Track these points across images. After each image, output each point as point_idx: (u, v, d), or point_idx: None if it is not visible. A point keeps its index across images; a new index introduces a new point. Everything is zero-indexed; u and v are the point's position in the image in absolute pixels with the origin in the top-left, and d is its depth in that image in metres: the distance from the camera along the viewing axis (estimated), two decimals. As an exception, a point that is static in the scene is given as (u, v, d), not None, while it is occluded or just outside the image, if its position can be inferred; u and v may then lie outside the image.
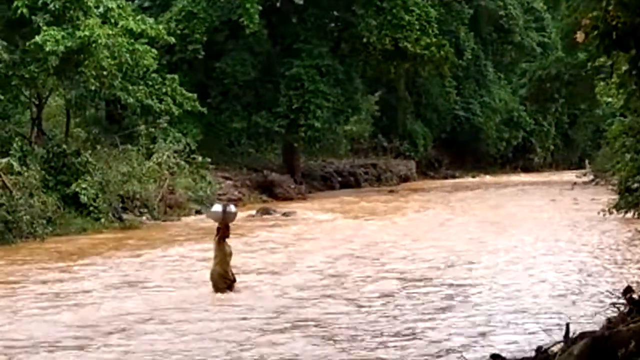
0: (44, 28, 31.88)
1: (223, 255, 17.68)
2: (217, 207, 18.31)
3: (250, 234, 29.51)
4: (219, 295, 17.42)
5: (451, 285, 18.79)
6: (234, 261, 18.25)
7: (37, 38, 31.58)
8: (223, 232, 17.75)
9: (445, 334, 13.89)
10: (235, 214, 18.32)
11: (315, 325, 14.66)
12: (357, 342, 13.45)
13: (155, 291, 18.73)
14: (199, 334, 14.11)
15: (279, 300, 17.21)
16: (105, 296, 18.02)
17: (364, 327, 14.53)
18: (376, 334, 13.97)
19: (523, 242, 26.35)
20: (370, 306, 16.39)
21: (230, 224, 18.13)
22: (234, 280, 17.88)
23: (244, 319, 15.30)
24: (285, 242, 27.70)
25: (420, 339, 13.65)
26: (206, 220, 35.68)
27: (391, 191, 54.05)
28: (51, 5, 32.37)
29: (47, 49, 31.42)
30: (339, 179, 58.63)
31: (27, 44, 31.91)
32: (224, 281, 17.67)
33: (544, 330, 12.88)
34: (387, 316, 15.40)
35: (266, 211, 38.08)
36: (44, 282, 19.89)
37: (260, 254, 24.57)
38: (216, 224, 18.07)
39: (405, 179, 64.83)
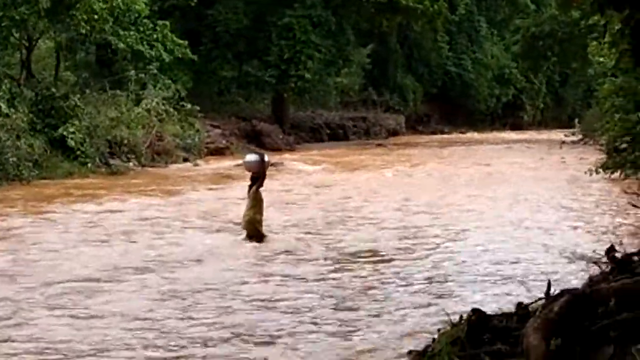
0: (36, -30, 31.70)
1: (260, 204, 17.70)
2: (254, 157, 18.22)
3: (235, 182, 29.60)
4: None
5: (434, 242, 18.80)
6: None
7: (29, -21, 31.43)
8: (261, 181, 17.74)
9: (427, 289, 13.95)
10: (269, 162, 18.40)
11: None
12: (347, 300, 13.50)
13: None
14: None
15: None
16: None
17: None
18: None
19: (507, 201, 26.37)
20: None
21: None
22: None
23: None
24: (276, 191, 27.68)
25: (397, 291, 13.71)
26: (192, 169, 35.97)
27: (379, 145, 54.08)
28: (43, -53, 32.19)
29: (39, -10, 31.24)
30: (328, 131, 58.68)
31: (18, -15, 31.76)
32: (258, 229, 17.69)
33: (526, 288, 12.95)
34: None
35: (254, 161, 38.00)
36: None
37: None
38: (249, 173, 18.08)
39: (394, 133, 64.89)
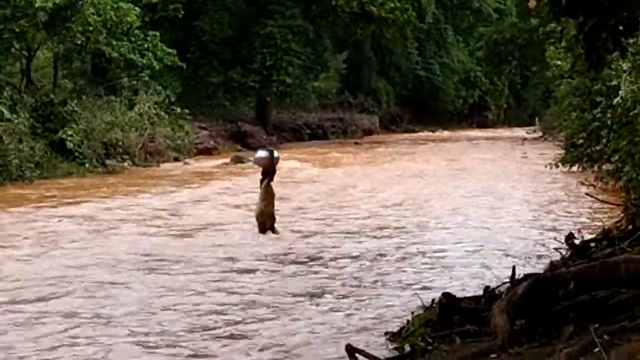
0: (34, -15, 31.63)
1: (271, 198, 17.65)
2: (264, 153, 18.19)
3: (222, 178, 29.67)
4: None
5: (405, 230, 18.83)
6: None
7: (28, -6, 31.34)
8: (272, 176, 17.67)
9: (398, 274, 14.00)
10: (278, 158, 18.21)
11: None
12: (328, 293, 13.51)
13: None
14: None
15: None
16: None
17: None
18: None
19: (474, 190, 26.46)
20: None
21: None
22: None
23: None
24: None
25: (374, 279, 13.74)
26: (182, 167, 35.94)
27: (356, 143, 54.30)
28: (41, -36, 32.13)
29: (37, 5, 31.23)
30: (308, 131, 58.68)
31: (18, 0, 31.58)
32: (271, 221, 17.65)
33: (493, 274, 12.99)
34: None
35: (239, 159, 38.08)
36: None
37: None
38: (260, 169, 17.99)
39: (369, 132, 64.94)
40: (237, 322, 10.97)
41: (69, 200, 24.14)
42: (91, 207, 22.50)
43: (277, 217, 17.89)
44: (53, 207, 22.74)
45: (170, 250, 16.00)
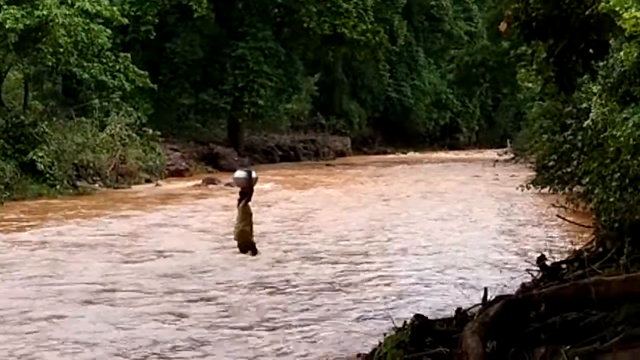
0: (4, 7, 31.62)
1: (249, 217, 17.75)
2: (243, 173, 18.30)
3: (189, 202, 29.51)
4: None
5: (374, 254, 18.80)
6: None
7: (-2, 16, 31.23)
8: (249, 196, 17.71)
9: (371, 297, 13.99)
10: (257, 178, 18.31)
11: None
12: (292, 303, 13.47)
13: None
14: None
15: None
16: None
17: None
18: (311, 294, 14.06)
19: (446, 213, 26.51)
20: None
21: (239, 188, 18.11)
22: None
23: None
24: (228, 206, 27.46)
25: (349, 300, 13.73)
26: (153, 189, 35.80)
27: (328, 165, 54.31)
28: (11, -15, 32.09)
29: (7, 26, 31.06)
30: (280, 152, 58.74)
31: (-12, 21, 31.48)
32: (250, 240, 17.74)
33: (465, 295, 13.01)
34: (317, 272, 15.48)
35: (211, 181, 38.08)
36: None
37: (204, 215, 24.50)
38: (238, 189, 18.09)
39: (341, 154, 65.10)
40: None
41: (28, 224, 23.55)
42: (50, 232, 21.84)
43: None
44: (13, 231, 22.12)
45: (119, 279, 15.31)
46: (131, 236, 21.22)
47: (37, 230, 22.32)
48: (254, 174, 18.18)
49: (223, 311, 12.97)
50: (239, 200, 17.81)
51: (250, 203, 17.86)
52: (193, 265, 16.79)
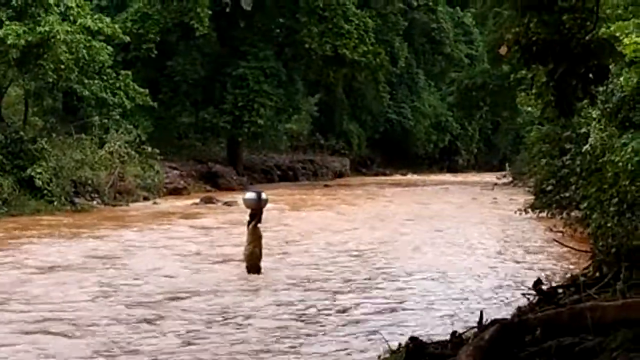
0: (7, 22, 31.75)
1: (259, 239, 17.76)
2: (252, 195, 18.27)
3: (181, 222, 29.31)
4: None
5: (371, 276, 18.75)
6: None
7: (0, 32, 31.29)
8: (259, 217, 17.71)
9: (366, 318, 13.96)
10: (267, 200, 18.32)
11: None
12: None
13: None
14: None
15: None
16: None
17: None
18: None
19: (442, 236, 26.45)
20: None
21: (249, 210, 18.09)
22: None
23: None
24: (225, 225, 27.39)
25: (345, 319, 13.69)
26: (151, 207, 35.73)
27: (326, 185, 54.35)
28: (14, 2, 32.39)
29: (9, 42, 31.15)
30: (279, 172, 58.74)
31: (-11, 37, 31.57)
32: (259, 261, 17.78)
33: (460, 318, 12.99)
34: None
35: (209, 200, 38.06)
36: None
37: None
38: (249, 210, 18.05)
39: (339, 174, 65.10)
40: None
41: (9, 241, 23.07)
42: (28, 251, 21.07)
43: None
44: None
45: (84, 308, 14.34)
46: (114, 258, 20.48)
47: (16, 249, 21.51)
48: (263, 196, 18.13)
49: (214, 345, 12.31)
50: (249, 222, 17.83)
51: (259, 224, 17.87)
52: (167, 293, 15.89)
